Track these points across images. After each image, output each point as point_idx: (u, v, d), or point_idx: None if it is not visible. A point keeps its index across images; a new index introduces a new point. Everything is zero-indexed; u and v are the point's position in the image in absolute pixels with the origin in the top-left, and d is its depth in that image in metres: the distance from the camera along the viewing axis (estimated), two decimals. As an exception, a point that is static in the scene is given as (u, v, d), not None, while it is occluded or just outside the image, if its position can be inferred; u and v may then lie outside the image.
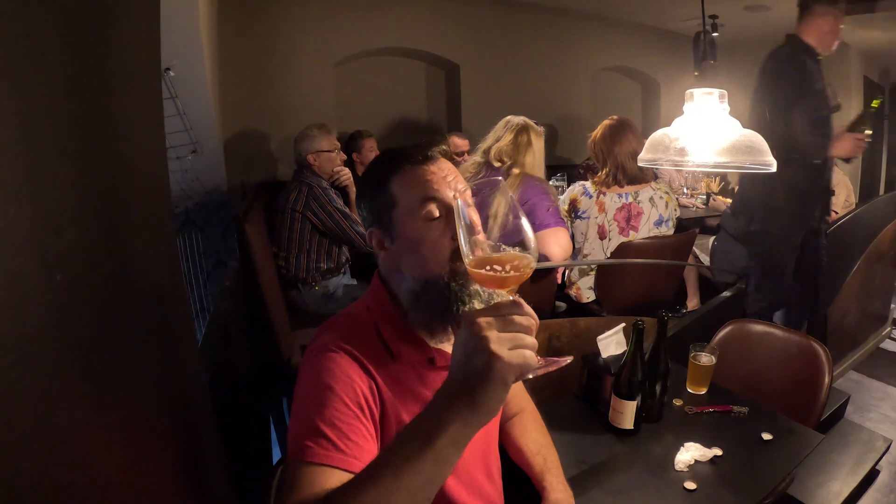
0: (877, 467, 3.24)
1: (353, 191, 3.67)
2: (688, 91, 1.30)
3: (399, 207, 1.12)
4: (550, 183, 4.58)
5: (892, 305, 5.48)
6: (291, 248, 3.23)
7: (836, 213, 4.75)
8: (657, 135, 1.33)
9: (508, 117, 2.84)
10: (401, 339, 1.16)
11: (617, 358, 1.79)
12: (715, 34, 5.39)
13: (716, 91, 1.31)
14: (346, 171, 3.57)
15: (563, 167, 5.08)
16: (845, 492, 2.71)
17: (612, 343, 1.82)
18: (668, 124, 1.36)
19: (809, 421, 2.01)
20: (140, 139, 0.98)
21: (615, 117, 3.13)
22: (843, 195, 5.08)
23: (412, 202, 1.11)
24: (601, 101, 6.23)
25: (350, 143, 4.13)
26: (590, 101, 6.08)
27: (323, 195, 3.21)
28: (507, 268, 0.80)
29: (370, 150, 4.17)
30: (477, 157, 2.79)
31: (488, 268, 0.81)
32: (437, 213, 1.10)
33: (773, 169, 1.31)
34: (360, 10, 4.52)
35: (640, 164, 1.37)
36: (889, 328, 5.44)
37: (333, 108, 4.53)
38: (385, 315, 1.17)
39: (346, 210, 3.27)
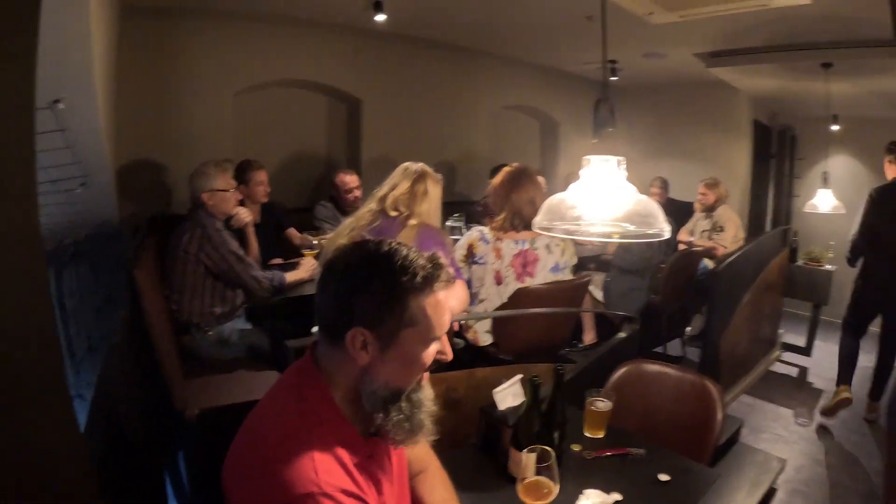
0: (774, 486, 3.43)
1: (250, 231, 3.54)
2: (584, 157, 1.32)
3: (414, 329, 1.13)
4: (449, 223, 4.61)
5: (780, 331, 5.87)
6: (184, 291, 3.05)
7: (725, 248, 5.02)
8: (553, 200, 1.34)
9: (406, 164, 2.77)
10: (353, 441, 1.15)
11: (515, 409, 1.80)
12: (615, 78, 5.68)
13: (613, 158, 1.34)
14: (244, 211, 3.45)
15: (462, 203, 5.10)
16: None
17: (508, 395, 1.82)
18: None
19: (704, 457, 2.10)
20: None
21: (515, 165, 3.17)
22: (732, 231, 5.38)
23: (429, 331, 1.14)
24: (502, 138, 6.34)
25: (238, 175, 3.82)
26: (490, 139, 6.16)
27: (217, 237, 3.04)
28: None
29: (259, 182, 3.93)
30: (372, 205, 2.71)
31: None
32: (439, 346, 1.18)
33: (667, 236, 1.35)
34: (262, 40, 4.42)
35: (534, 228, 1.39)
36: (778, 352, 5.80)
37: (232, 140, 4.39)
38: (331, 424, 1.14)
39: (242, 253, 3.13)
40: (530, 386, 1.66)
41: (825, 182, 5.23)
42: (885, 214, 4.25)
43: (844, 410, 4.42)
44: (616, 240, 1.43)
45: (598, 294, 4.18)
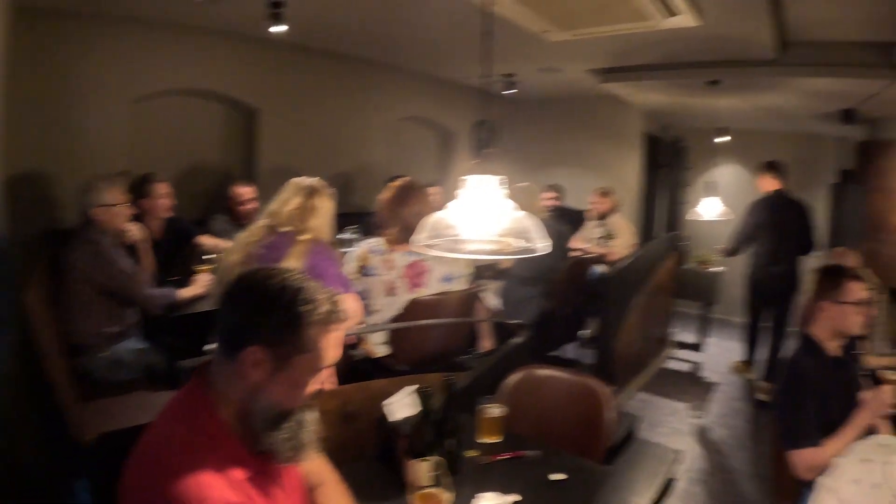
0: (673, 477, 3.60)
1: (143, 248, 3.43)
2: (463, 177, 1.39)
3: (307, 356, 1.20)
4: (345, 235, 4.61)
5: (672, 330, 6.22)
6: (75, 311, 2.93)
7: (618, 254, 5.27)
8: (433, 218, 1.40)
9: (297, 179, 2.77)
10: (243, 458, 1.20)
11: (409, 419, 1.85)
12: (513, 91, 5.84)
13: (493, 178, 1.42)
14: (135, 227, 3.34)
15: (359, 215, 5.08)
16: None
17: (401, 406, 1.88)
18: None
19: (597, 455, 2.23)
20: None
21: (402, 179, 3.24)
22: (624, 238, 5.62)
23: (319, 360, 1.22)
24: (399, 149, 6.39)
25: (138, 188, 3.72)
26: (388, 150, 6.19)
27: (108, 254, 2.95)
28: None
29: (160, 196, 3.81)
30: (265, 221, 2.71)
31: None
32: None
33: (544, 251, 1.45)
34: (159, 48, 4.29)
35: (413, 247, 1.44)
36: (670, 349, 6.15)
37: (128, 150, 4.23)
38: (220, 443, 1.18)
39: (134, 270, 3.05)
40: (420, 396, 1.72)
41: (709, 191, 5.60)
42: (761, 223, 5.15)
43: (736, 400, 5.06)
44: (491, 257, 1.51)
45: (495, 302, 4.27)
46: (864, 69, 4.25)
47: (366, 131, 5.87)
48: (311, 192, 2.72)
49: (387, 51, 5.25)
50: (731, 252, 5.51)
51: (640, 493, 3.07)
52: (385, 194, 3.13)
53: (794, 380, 2.27)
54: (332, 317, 1.23)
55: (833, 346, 2.35)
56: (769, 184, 5.25)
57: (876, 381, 2.37)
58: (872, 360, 3.53)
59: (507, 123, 7.17)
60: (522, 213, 1.46)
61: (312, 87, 5.29)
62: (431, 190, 4.99)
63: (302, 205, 2.67)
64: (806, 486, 2.06)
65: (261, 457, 1.23)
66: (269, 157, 5.03)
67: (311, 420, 1.27)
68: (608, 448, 3.16)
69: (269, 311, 1.18)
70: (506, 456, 1.93)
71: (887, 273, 5.78)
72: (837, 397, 2.23)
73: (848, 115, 5.46)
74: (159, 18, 4.19)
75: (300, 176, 2.81)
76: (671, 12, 3.42)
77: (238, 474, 1.17)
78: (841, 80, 4.48)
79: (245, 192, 4.31)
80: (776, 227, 5.12)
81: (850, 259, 3.71)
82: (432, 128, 6.92)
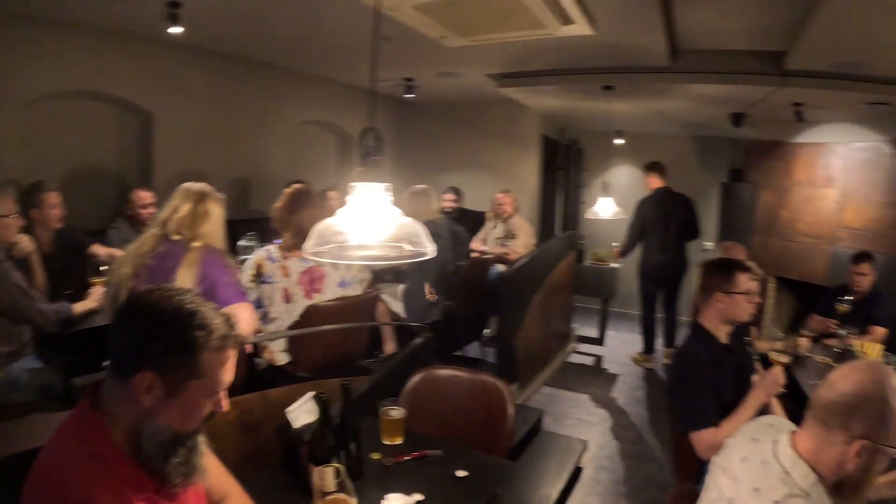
0: (579, 466, 3.74)
1: (35, 261, 3.25)
2: (351, 184, 1.42)
3: (201, 381, 1.18)
4: (241, 242, 4.53)
5: (574, 325, 6.45)
6: (-36, 331, 2.74)
7: (518, 254, 5.37)
8: (321, 226, 1.41)
9: (186, 185, 2.68)
10: (136, 480, 1.16)
11: (310, 426, 1.84)
12: (411, 95, 5.88)
13: (380, 184, 1.44)
14: (25, 239, 3.17)
15: (257, 221, 4.94)
16: (555, 494, 3.05)
17: (302, 413, 1.87)
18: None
19: (501, 450, 2.27)
20: None
21: (297, 185, 3.22)
22: (524, 238, 5.75)
23: (214, 385, 1.20)
24: (299, 154, 6.31)
25: (27, 198, 3.54)
26: (288, 155, 6.10)
27: None
28: None
29: (52, 206, 3.62)
30: (155, 230, 2.60)
31: None
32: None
33: (431, 255, 1.48)
34: (49, 48, 4.04)
35: (304, 254, 1.45)
36: (572, 344, 6.37)
37: (16, 157, 3.99)
38: (113, 465, 1.14)
39: (26, 285, 2.87)
40: (319, 402, 1.72)
41: (605, 191, 5.85)
42: (649, 218, 5.73)
43: (637, 390, 5.32)
44: (380, 263, 1.54)
45: (397, 305, 4.28)
46: (752, 76, 4.54)
47: (265, 135, 5.74)
48: (200, 198, 2.63)
49: (286, 54, 5.18)
50: (625, 251, 6.04)
51: (550, 483, 3.21)
52: (278, 201, 3.10)
53: (686, 367, 2.40)
54: (228, 341, 1.21)
55: (723, 334, 2.49)
56: (655, 182, 5.80)
57: (766, 364, 2.53)
58: (762, 345, 3.80)
59: (407, 127, 7.24)
60: (409, 218, 1.50)
61: (210, 90, 5.13)
62: (331, 194, 4.96)
63: (192, 211, 2.59)
64: (704, 466, 2.15)
65: (157, 477, 1.21)
66: (167, 162, 4.84)
67: (202, 443, 1.25)
68: (515, 443, 3.26)
69: (161, 337, 1.15)
70: (409, 456, 1.95)
71: (776, 264, 6.39)
72: (729, 382, 2.38)
73: (737, 119, 5.83)
74: (49, 17, 3.96)
75: (197, 181, 2.73)
76: (567, 21, 3.53)
77: (134, 497, 1.14)
78: (730, 87, 4.76)
79: (146, 196, 4.18)
80: (663, 220, 5.69)
81: (737, 252, 3.95)
82: (333, 132, 6.85)
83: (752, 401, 2.26)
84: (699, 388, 2.31)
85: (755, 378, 2.45)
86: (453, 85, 5.82)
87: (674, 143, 7.69)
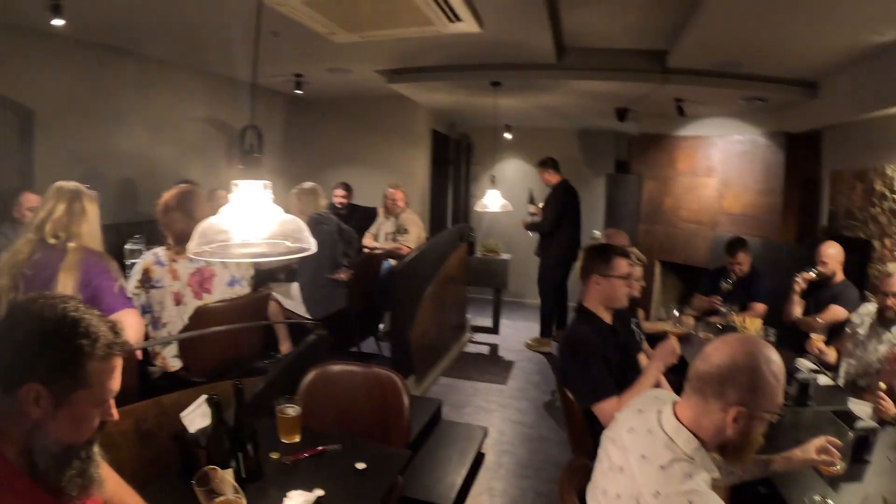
0: (482, 452, 3.83)
1: None
2: (233, 182, 1.40)
3: (88, 391, 1.15)
4: (128, 245, 4.34)
5: (468, 315, 6.60)
6: None
7: (410, 248, 5.41)
8: (204, 224, 1.39)
9: (58, 184, 2.53)
10: (30, 494, 1.13)
11: (206, 430, 1.80)
12: (300, 92, 5.78)
13: (260, 182, 1.43)
14: None
15: (144, 223, 4.70)
16: (459, 481, 3.18)
17: (197, 416, 1.84)
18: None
19: (401, 441, 2.31)
20: None
21: (180, 185, 3.14)
22: (415, 233, 5.79)
23: (101, 394, 1.18)
24: (189, 152, 5.99)
25: None
26: (177, 153, 5.76)
27: None
28: None
29: None
30: (29, 234, 2.45)
31: None
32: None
33: (314, 250, 1.50)
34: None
35: (189, 255, 1.43)
36: (468, 334, 6.52)
37: None
38: (5, 482, 1.10)
39: None
40: (211, 405, 1.70)
41: (493, 184, 5.95)
42: (565, 209, 6.07)
43: (533, 374, 5.53)
44: (263, 259, 1.54)
45: (289, 303, 4.24)
46: (636, 73, 4.80)
47: (153, 133, 5.46)
48: (75, 196, 2.49)
49: (174, 48, 4.95)
50: (534, 230, 6.26)
51: (454, 470, 3.29)
52: (161, 201, 2.99)
53: (575, 346, 2.51)
54: (114, 349, 1.19)
55: (607, 316, 2.62)
56: (553, 177, 6.13)
57: (653, 344, 2.69)
58: (648, 326, 4.06)
59: (298, 123, 7.11)
60: (290, 215, 1.51)
61: (95, 86, 4.82)
62: (220, 194, 4.82)
63: (67, 210, 2.45)
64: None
65: (53, 491, 1.17)
66: (49, 161, 4.50)
67: (97, 453, 1.23)
68: (415, 433, 3.31)
69: (46, 347, 1.13)
70: (308, 453, 1.96)
71: (661, 249, 6.92)
72: (616, 361, 2.50)
73: (621, 113, 6.15)
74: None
75: (79, 182, 2.59)
76: (455, 18, 3.58)
77: None
78: (615, 83, 4.99)
79: (33, 198, 3.89)
80: (572, 212, 6.12)
81: (620, 238, 4.16)
82: (222, 129, 6.61)
83: (652, 370, 2.38)
84: (591, 363, 2.41)
85: (641, 356, 2.60)
86: (343, 81, 5.78)
87: (561, 137, 8.01)
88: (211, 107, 6.18)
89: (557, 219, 6.03)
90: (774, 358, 1.44)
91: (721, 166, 6.39)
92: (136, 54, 5.02)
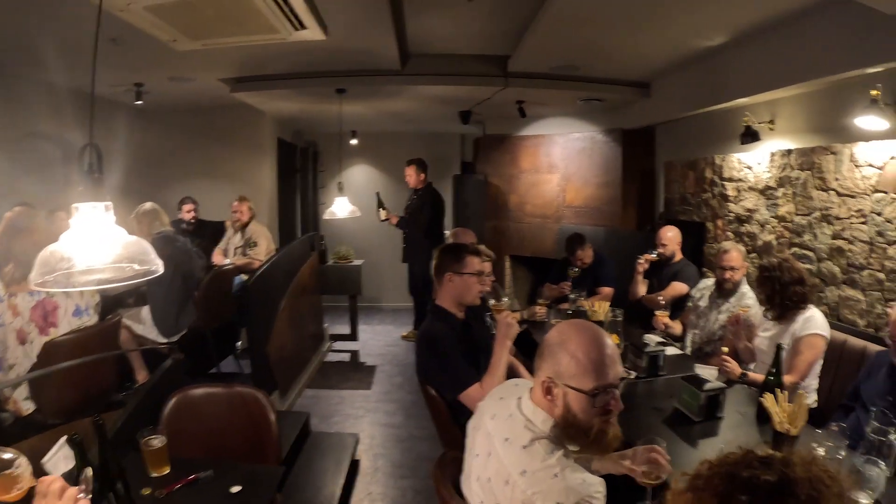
0: (356, 458, 3.84)
1: None
2: (73, 205, 1.31)
3: None
4: None
5: (325, 325, 6.55)
6: None
7: (261, 261, 5.27)
8: (45, 253, 1.29)
9: None
10: None
11: (71, 472, 1.66)
12: (139, 102, 5.43)
13: (101, 203, 1.34)
14: None
15: None
16: (337, 491, 3.18)
17: (60, 460, 1.73)
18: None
19: (273, 457, 2.28)
20: None
21: (16, 209, 2.94)
22: (265, 245, 5.67)
23: None
24: (23, 170, 5.41)
25: None
26: (9, 172, 5.23)
27: None
28: None
29: None
30: None
31: None
32: None
33: (161, 272, 1.43)
34: None
35: (32, 286, 1.32)
36: (327, 343, 6.47)
37: None
38: None
39: None
40: (73, 446, 1.58)
41: (341, 190, 5.90)
42: (436, 210, 6.28)
43: (396, 375, 5.62)
44: (111, 285, 1.44)
45: (140, 328, 4.00)
46: (479, 78, 4.99)
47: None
48: None
49: (7, 57, 4.44)
50: (403, 227, 6.31)
51: (332, 480, 3.28)
52: None
53: (432, 343, 2.57)
54: None
55: (459, 312, 2.70)
56: (422, 176, 6.31)
57: None
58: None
59: (140, 136, 6.64)
60: (134, 237, 1.43)
61: None
62: (61, 215, 4.42)
63: None
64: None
65: None
66: None
67: None
68: (287, 449, 3.24)
69: None
70: (179, 483, 1.88)
71: (510, 244, 7.31)
72: (470, 355, 2.57)
73: (465, 116, 6.35)
74: None
75: None
76: (300, 26, 3.54)
77: None
78: (458, 87, 5.17)
79: None
80: (438, 216, 6.31)
81: (466, 237, 4.30)
82: (58, 144, 6.02)
83: (498, 350, 2.43)
84: (450, 356, 2.48)
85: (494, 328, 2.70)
86: (185, 90, 5.49)
87: (407, 141, 8.14)
88: (47, 120, 5.58)
89: (434, 217, 6.23)
90: (585, 339, 1.51)
91: (562, 163, 6.89)
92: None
